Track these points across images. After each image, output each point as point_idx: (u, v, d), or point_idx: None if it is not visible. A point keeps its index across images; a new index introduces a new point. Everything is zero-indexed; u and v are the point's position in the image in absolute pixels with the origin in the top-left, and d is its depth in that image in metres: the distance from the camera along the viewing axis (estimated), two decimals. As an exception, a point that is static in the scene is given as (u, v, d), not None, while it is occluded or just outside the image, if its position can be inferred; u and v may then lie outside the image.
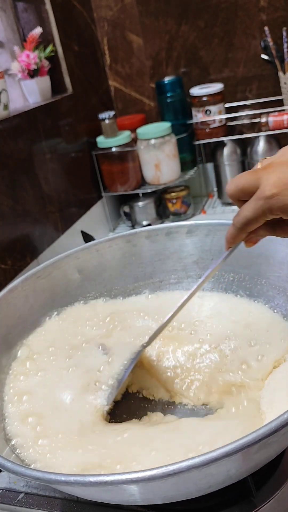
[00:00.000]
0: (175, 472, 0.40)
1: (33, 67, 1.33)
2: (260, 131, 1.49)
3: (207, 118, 1.51)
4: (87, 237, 1.39)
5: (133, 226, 1.59)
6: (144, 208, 1.56)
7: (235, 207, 1.69)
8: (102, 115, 1.45)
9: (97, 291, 0.79)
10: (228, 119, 1.55)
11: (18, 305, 0.71)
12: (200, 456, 0.40)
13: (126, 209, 1.59)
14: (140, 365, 0.68)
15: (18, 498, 0.60)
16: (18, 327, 0.71)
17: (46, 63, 1.37)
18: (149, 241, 0.79)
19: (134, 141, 1.51)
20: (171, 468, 0.40)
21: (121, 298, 0.80)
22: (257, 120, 1.50)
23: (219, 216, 1.56)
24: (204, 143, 1.60)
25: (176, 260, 0.80)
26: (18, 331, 0.71)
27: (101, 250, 0.79)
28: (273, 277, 0.72)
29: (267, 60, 1.50)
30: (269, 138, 1.48)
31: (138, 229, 0.79)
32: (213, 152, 1.56)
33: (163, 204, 1.59)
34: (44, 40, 1.38)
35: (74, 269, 0.77)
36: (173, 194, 1.55)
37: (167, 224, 0.80)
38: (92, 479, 0.41)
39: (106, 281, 0.80)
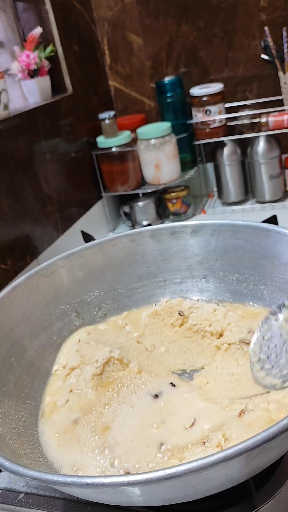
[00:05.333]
0: (171, 476, 0.40)
1: (33, 67, 1.32)
2: (260, 131, 1.49)
3: (207, 118, 1.51)
4: (87, 237, 1.38)
5: (133, 226, 1.59)
6: (144, 208, 1.55)
7: (235, 207, 1.69)
8: (102, 115, 1.45)
9: (101, 290, 0.79)
10: (228, 119, 1.55)
11: (21, 303, 0.71)
12: (197, 461, 0.40)
13: (126, 209, 1.59)
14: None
15: (18, 498, 0.60)
16: (21, 325, 0.71)
17: (46, 63, 1.37)
18: (153, 240, 0.79)
19: (134, 141, 1.51)
20: (168, 471, 0.40)
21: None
22: (257, 120, 1.50)
23: (219, 216, 1.56)
24: (204, 143, 1.60)
25: (181, 260, 0.80)
26: (21, 329, 0.70)
27: (105, 249, 0.78)
28: (278, 279, 0.72)
29: (267, 60, 1.50)
30: (269, 138, 1.48)
31: (142, 228, 0.79)
32: (213, 152, 1.56)
33: (163, 204, 1.58)
34: (44, 40, 1.37)
35: (78, 267, 0.77)
36: (173, 194, 1.55)
37: (171, 224, 0.80)
38: (88, 480, 0.41)
39: (109, 280, 0.80)
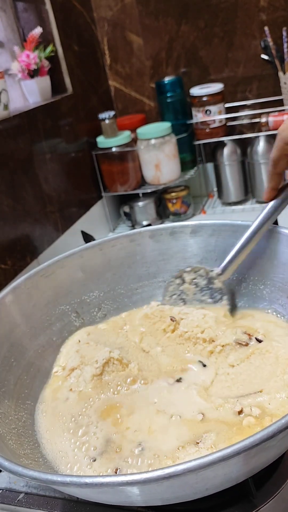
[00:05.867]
0: (170, 475, 0.40)
1: (33, 67, 1.32)
2: (260, 131, 1.49)
3: (207, 118, 1.51)
4: (87, 237, 1.38)
5: (133, 226, 1.59)
6: (144, 208, 1.56)
7: (235, 207, 1.69)
8: (102, 115, 1.45)
9: (101, 290, 0.79)
10: (228, 119, 1.55)
11: (21, 303, 0.71)
12: (196, 460, 0.40)
13: (126, 209, 1.59)
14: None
15: (18, 498, 0.60)
16: (21, 325, 0.71)
17: (46, 63, 1.37)
18: (153, 240, 0.79)
19: (134, 141, 1.51)
20: (166, 471, 0.40)
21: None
22: (257, 120, 1.50)
23: (219, 216, 1.56)
24: (204, 143, 1.60)
25: (180, 260, 0.80)
26: (21, 329, 0.70)
27: (105, 249, 0.78)
28: (277, 278, 0.72)
29: (267, 60, 1.50)
30: (269, 138, 1.48)
31: (142, 229, 0.79)
32: (213, 152, 1.56)
33: (163, 204, 1.58)
34: (44, 40, 1.37)
35: (77, 268, 0.77)
36: (173, 194, 1.55)
37: (171, 224, 0.80)
38: (87, 480, 0.41)
39: (109, 280, 0.80)
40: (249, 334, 0.68)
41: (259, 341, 0.66)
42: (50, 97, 1.39)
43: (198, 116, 1.52)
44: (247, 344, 0.66)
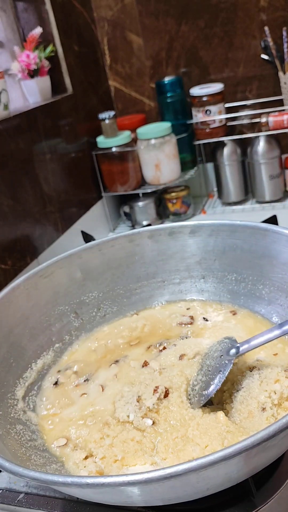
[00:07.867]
0: (172, 475, 0.40)
1: (33, 67, 1.32)
2: (260, 131, 1.49)
3: (207, 118, 1.51)
4: (87, 237, 1.39)
5: (133, 226, 1.59)
6: (144, 208, 1.55)
7: (235, 207, 1.68)
8: (102, 115, 1.45)
9: (100, 290, 0.79)
10: (228, 119, 1.55)
11: (20, 304, 0.71)
12: (197, 460, 0.40)
13: (126, 209, 1.59)
14: None
15: (18, 498, 0.60)
16: (20, 326, 0.71)
17: (46, 63, 1.37)
18: (152, 240, 0.79)
19: (134, 141, 1.51)
20: (168, 471, 0.40)
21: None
22: (257, 120, 1.50)
23: (219, 216, 1.56)
24: (204, 143, 1.60)
25: (179, 260, 0.80)
26: (20, 330, 0.70)
27: (104, 249, 0.78)
28: (276, 278, 0.72)
29: (267, 60, 1.50)
30: (269, 138, 1.48)
31: (141, 229, 0.79)
32: (213, 152, 1.56)
33: (163, 204, 1.58)
34: (44, 40, 1.37)
35: (76, 268, 0.77)
36: (173, 194, 1.55)
37: (170, 224, 0.80)
38: (89, 480, 0.41)
39: (108, 280, 0.80)
40: (191, 317, 0.70)
41: (206, 320, 0.70)
42: (50, 97, 1.39)
43: (198, 116, 1.52)
44: (191, 323, 0.69)
